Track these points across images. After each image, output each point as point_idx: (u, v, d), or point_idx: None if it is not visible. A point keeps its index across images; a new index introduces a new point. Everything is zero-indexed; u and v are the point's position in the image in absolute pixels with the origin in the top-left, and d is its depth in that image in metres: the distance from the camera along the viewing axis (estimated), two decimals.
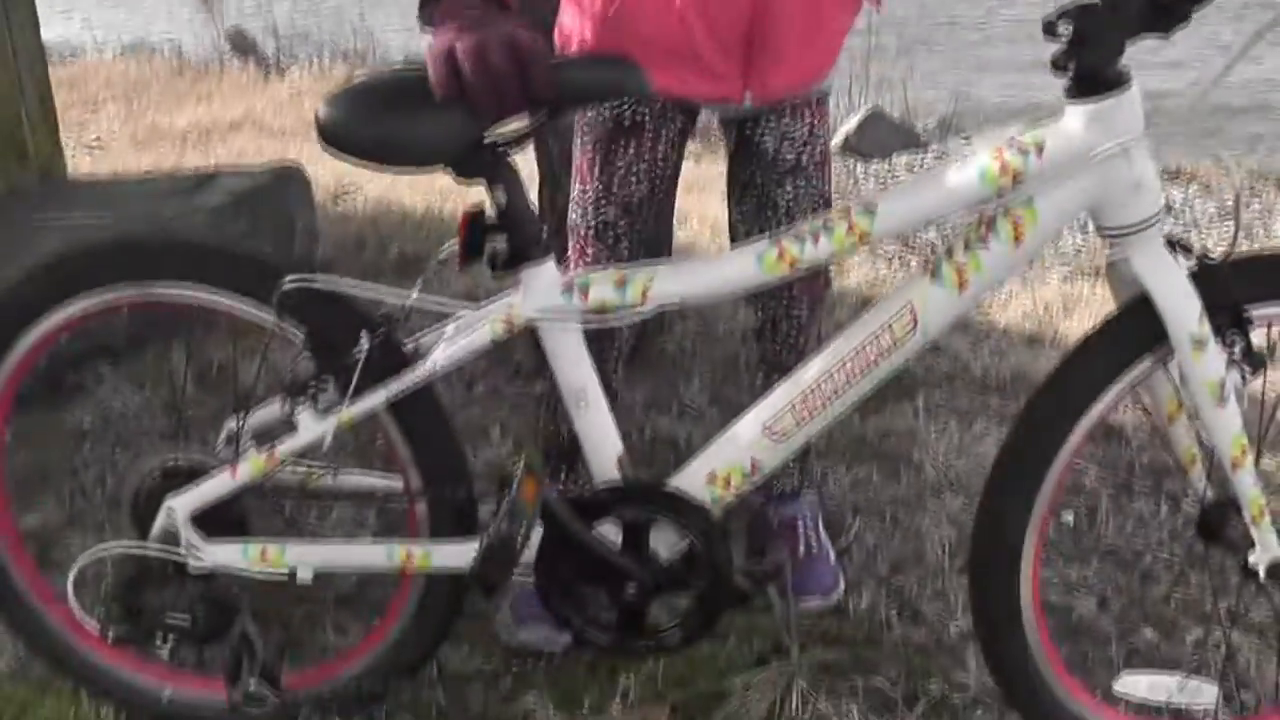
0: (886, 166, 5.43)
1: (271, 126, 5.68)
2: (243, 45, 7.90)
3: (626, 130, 1.93)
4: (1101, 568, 2.24)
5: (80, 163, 4.85)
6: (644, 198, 1.97)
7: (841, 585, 2.14)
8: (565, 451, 2.09)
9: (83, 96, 6.36)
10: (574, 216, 2.01)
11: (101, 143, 5.41)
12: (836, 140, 5.86)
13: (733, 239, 2.12)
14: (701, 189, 4.47)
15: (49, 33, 4.01)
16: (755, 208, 2.03)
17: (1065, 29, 1.41)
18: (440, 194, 4.34)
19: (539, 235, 1.54)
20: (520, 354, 2.83)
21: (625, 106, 1.92)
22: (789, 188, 2.00)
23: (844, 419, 2.66)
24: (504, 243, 1.53)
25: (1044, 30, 1.43)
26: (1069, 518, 2.38)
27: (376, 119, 1.45)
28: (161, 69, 7.07)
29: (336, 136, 1.46)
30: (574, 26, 1.90)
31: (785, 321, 2.11)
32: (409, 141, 1.46)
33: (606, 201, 1.96)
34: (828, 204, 2.05)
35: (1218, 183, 5.47)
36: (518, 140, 1.52)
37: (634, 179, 1.95)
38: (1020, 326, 3.34)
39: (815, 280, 2.07)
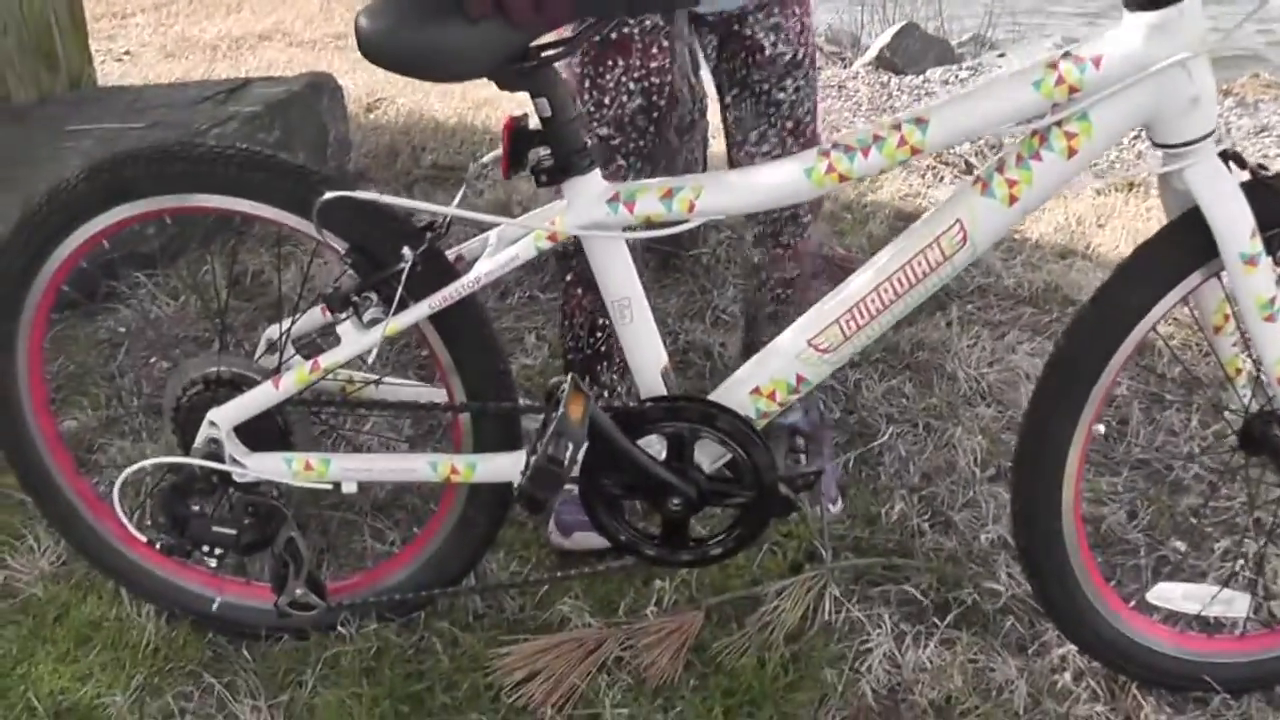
0: (920, 80, 5.34)
1: (302, 37, 5.63)
2: None
3: (615, 46, 1.89)
4: (1132, 478, 2.24)
5: (110, 73, 4.83)
6: (637, 111, 1.94)
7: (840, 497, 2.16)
8: (594, 362, 2.10)
9: (112, 7, 6.32)
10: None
11: (131, 54, 5.38)
12: (870, 54, 5.78)
13: (729, 143, 2.09)
14: None
15: None
16: (755, 109, 2.01)
17: None
18: (474, 104, 4.31)
19: (584, 146, 1.53)
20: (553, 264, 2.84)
21: (618, 24, 1.88)
22: (789, 84, 1.99)
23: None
24: (548, 154, 1.52)
25: None
26: (1100, 429, 2.37)
27: (416, 30, 1.42)
28: None
29: (375, 48, 1.44)
30: None
31: (790, 225, 2.10)
32: (449, 54, 1.43)
33: (599, 120, 1.93)
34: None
35: (1254, 98, 5.39)
36: (562, 51, 1.50)
37: (624, 95, 1.92)
38: (1053, 240, 3.31)
39: None
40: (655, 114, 1.95)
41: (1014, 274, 3.01)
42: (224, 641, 1.88)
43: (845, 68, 5.70)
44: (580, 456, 1.58)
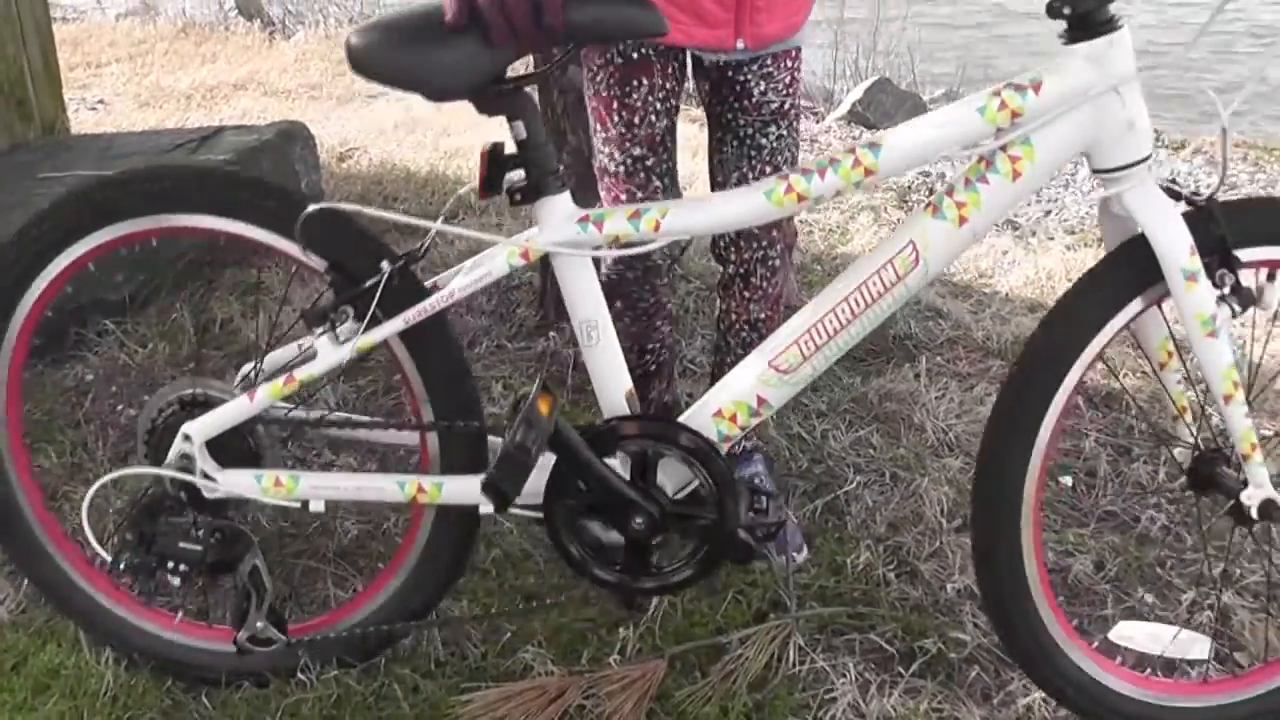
0: (892, 120, 5.40)
1: (276, 87, 5.66)
2: (248, 8, 7.86)
3: (638, 67, 1.96)
4: (1099, 529, 2.25)
5: (83, 121, 4.84)
6: (664, 131, 2.01)
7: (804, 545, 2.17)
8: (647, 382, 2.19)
9: (86, 56, 6.33)
10: (602, 159, 2.04)
11: (105, 103, 5.39)
12: (843, 108, 5.84)
13: (712, 182, 2.14)
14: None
15: None
16: (738, 151, 2.06)
17: None
18: (445, 155, 4.34)
19: (557, 169, 1.58)
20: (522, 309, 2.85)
21: (632, 45, 1.94)
22: (773, 132, 2.04)
23: (845, 381, 2.70)
24: (523, 176, 1.57)
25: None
26: (1067, 480, 2.39)
27: (403, 48, 1.49)
28: (166, 30, 7.03)
29: (365, 62, 1.51)
30: None
31: (760, 268, 2.13)
32: (432, 72, 1.49)
33: (631, 140, 1.99)
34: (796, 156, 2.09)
35: (1220, 154, 5.47)
36: (537, 75, 1.54)
37: (653, 115, 1.98)
38: (1022, 293, 3.35)
39: (789, 224, 2.09)
40: (673, 133, 2.04)
41: (983, 327, 3.03)
42: (183, 689, 1.86)
43: (818, 121, 5.76)
44: (544, 471, 1.62)
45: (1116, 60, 1.48)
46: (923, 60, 7.06)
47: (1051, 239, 3.92)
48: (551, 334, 2.80)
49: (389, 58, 1.50)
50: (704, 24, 1.92)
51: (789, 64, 2.03)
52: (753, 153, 2.05)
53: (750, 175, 2.06)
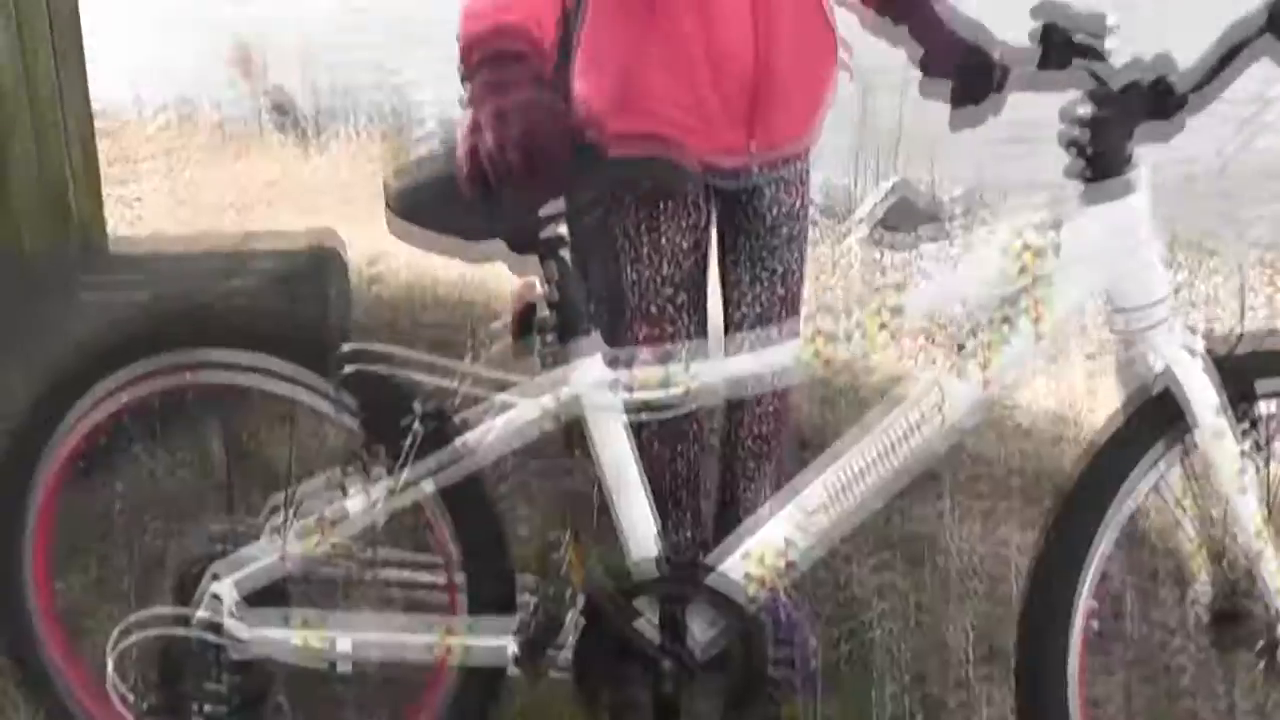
0: (912, 239, 5.43)
1: (309, 187, 5.75)
2: (281, 106, 7.99)
3: (666, 209, 1.99)
4: (1129, 676, 2.23)
5: (120, 219, 4.90)
6: (693, 267, 2.05)
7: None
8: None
9: (124, 151, 6.43)
10: (636, 299, 2.05)
11: (142, 200, 5.48)
12: (862, 210, 5.88)
13: (724, 301, 2.17)
14: None
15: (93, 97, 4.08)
16: (751, 273, 2.11)
17: (1084, 110, 1.53)
18: (472, 273, 4.38)
19: (588, 311, 1.61)
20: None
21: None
22: (781, 255, 2.09)
23: (867, 515, 2.70)
24: (554, 319, 1.61)
25: (1061, 117, 1.55)
26: (1094, 624, 2.37)
27: (438, 192, 1.54)
28: (201, 131, 7.16)
29: (401, 208, 1.57)
30: (592, 90, 1.96)
31: (762, 422, 2.17)
32: (466, 213, 1.54)
33: (665, 281, 2.03)
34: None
35: (1237, 261, 5.49)
36: (568, 216, 1.58)
37: (681, 255, 2.02)
38: (1045, 418, 3.35)
39: None
40: (705, 266, 2.07)
41: (1007, 455, 3.03)
42: None
43: (839, 223, 5.82)
44: (574, 624, 1.63)
45: (1135, 214, 1.53)
46: (941, 160, 7.11)
47: (1072, 360, 3.92)
48: (577, 462, 2.81)
49: (421, 203, 1.56)
50: (716, 129, 1.94)
51: (800, 186, 2.08)
52: (764, 274, 2.10)
53: (762, 294, 2.11)
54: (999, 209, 6.21)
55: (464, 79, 1.54)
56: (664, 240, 2.00)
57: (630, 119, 1.87)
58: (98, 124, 4.90)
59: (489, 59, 1.50)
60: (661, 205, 1.99)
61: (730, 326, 2.14)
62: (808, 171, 2.11)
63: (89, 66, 3.92)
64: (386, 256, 4.48)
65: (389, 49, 9.37)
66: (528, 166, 1.42)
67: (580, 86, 1.99)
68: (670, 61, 1.90)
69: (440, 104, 7.76)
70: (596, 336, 1.62)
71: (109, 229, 4.07)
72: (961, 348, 1.60)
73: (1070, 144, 1.54)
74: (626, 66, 1.92)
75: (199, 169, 6.12)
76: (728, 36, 1.89)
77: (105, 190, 4.25)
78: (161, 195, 5.57)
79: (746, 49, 1.90)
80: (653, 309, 2.04)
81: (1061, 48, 1.61)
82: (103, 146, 4.70)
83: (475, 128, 1.44)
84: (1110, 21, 1.59)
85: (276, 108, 8.02)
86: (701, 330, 2.10)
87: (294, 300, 3.39)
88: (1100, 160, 1.52)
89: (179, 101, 8.65)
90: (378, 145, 6.84)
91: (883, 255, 5.35)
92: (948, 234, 5.95)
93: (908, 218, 6.25)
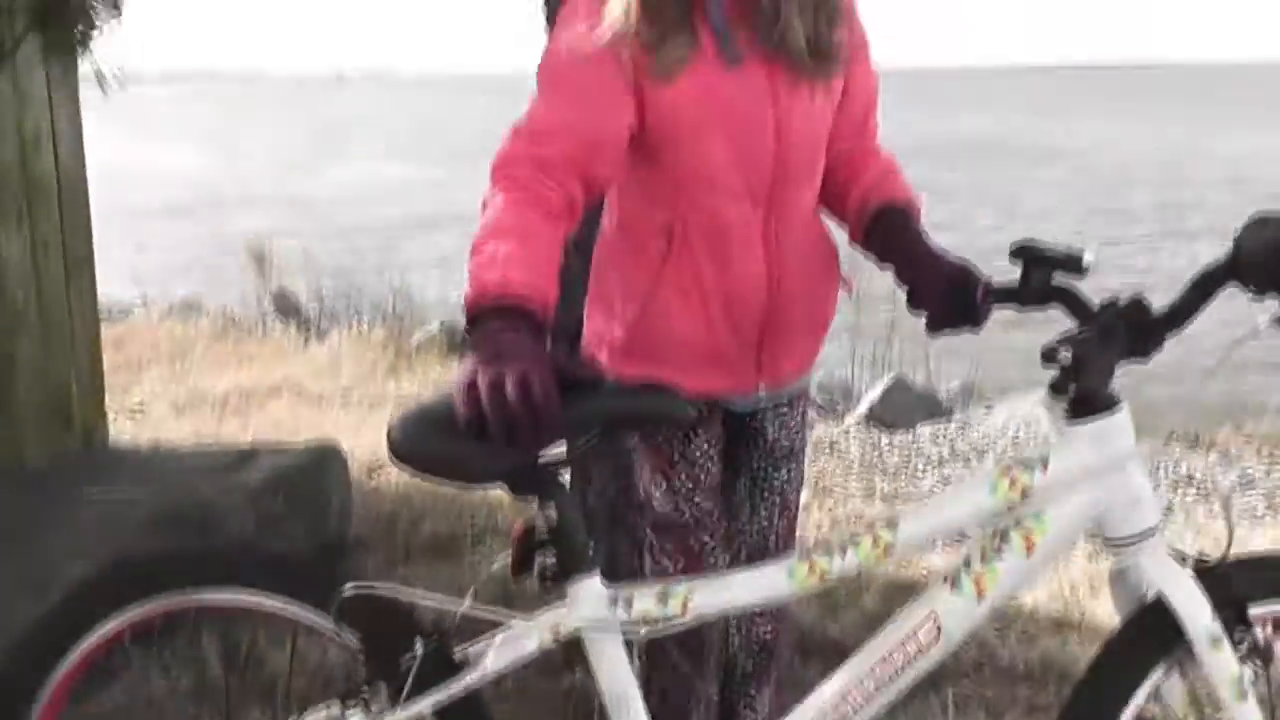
0: (910, 438, 5.50)
1: (310, 392, 5.84)
2: (286, 306, 8.18)
3: (695, 421, 2.00)
4: None
5: (122, 428, 4.97)
6: (719, 480, 2.06)
7: None
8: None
9: (128, 358, 6.57)
10: (668, 512, 2.04)
11: (144, 406, 5.55)
12: (860, 409, 5.96)
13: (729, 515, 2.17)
14: None
15: (101, 292, 4.17)
16: (750, 488, 2.12)
17: (1065, 354, 1.55)
18: None
19: (587, 550, 1.61)
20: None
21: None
22: (784, 471, 2.12)
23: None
24: (553, 557, 1.60)
25: (1043, 357, 1.58)
26: None
27: (439, 439, 1.54)
28: (206, 329, 7.32)
29: (403, 453, 1.56)
30: (603, 330, 2.00)
31: (762, 629, 2.16)
32: (466, 462, 1.55)
33: (698, 491, 2.03)
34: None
35: (1236, 449, 5.53)
36: (569, 459, 1.59)
37: (710, 464, 2.04)
38: (1048, 610, 3.33)
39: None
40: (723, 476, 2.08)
41: (1009, 649, 3.01)
42: None
43: (838, 422, 5.88)
44: None
45: (1118, 438, 1.55)
46: (938, 356, 7.23)
47: (1074, 549, 3.93)
48: (577, 672, 2.79)
49: (422, 449, 1.55)
50: (727, 373, 1.97)
51: (801, 403, 2.11)
52: (764, 489, 2.12)
53: (761, 509, 2.12)
54: (996, 401, 6.34)
55: (468, 326, 1.58)
56: (695, 451, 2.02)
57: (643, 365, 1.92)
58: (103, 328, 5.02)
59: (492, 314, 1.55)
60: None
61: (730, 539, 2.14)
62: (808, 388, 2.15)
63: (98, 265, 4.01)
64: (387, 464, 4.52)
65: (394, 251, 9.62)
66: (527, 421, 1.45)
67: (590, 327, 2.04)
68: (684, 306, 1.92)
69: (445, 306, 8.01)
70: (597, 574, 1.62)
71: (110, 439, 4.11)
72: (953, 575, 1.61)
73: (1051, 387, 1.58)
74: (639, 310, 1.93)
75: (202, 374, 6.21)
76: (742, 280, 1.91)
77: (108, 399, 4.31)
78: (164, 403, 5.63)
79: (760, 291, 1.93)
80: (690, 520, 2.03)
81: (1041, 286, 1.65)
82: (107, 352, 4.79)
83: (475, 377, 1.47)
84: (1088, 259, 1.64)
85: (281, 309, 8.20)
86: (729, 539, 2.10)
87: (294, 499, 3.40)
88: (1083, 401, 1.56)
89: (184, 302, 8.89)
90: (380, 344, 6.97)
91: (880, 438, 5.42)
92: (946, 413, 6.06)
93: (905, 412, 6.33)
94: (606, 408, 1.56)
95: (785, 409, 2.09)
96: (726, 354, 1.95)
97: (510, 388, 1.44)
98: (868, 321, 6.87)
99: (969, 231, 15.29)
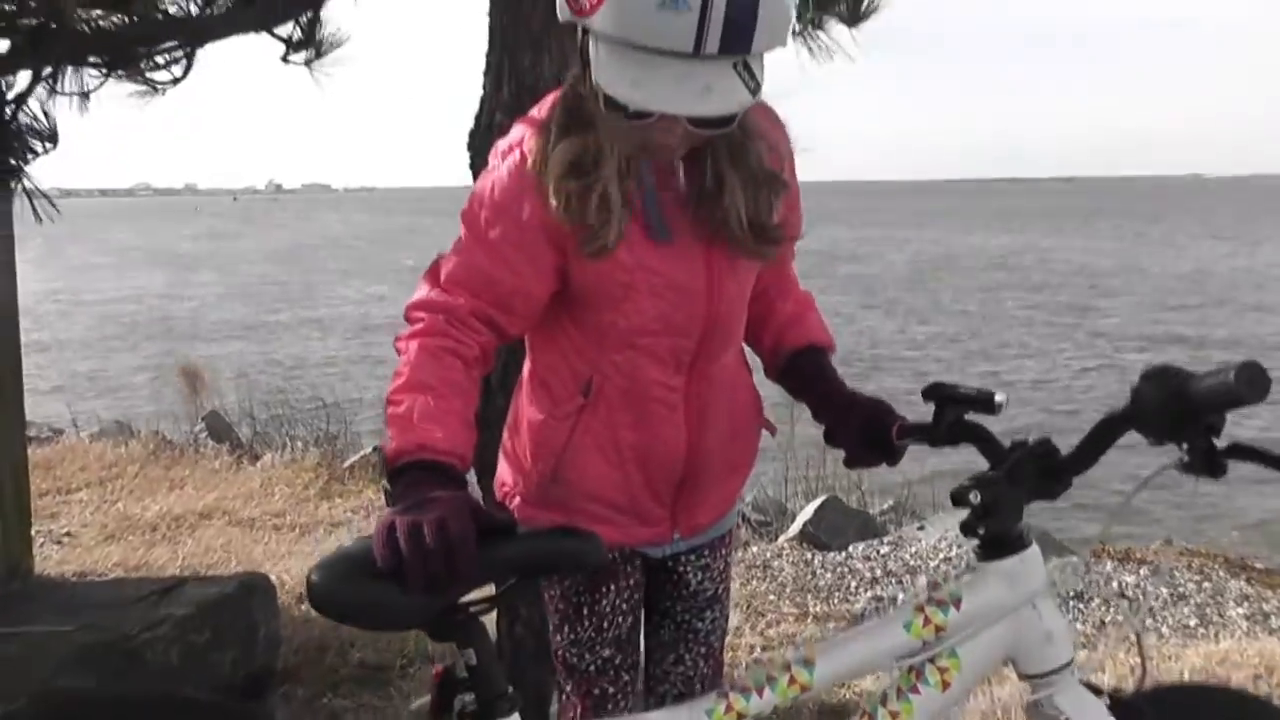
0: (844, 556, 5.53)
1: (241, 516, 5.77)
2: (219, 430, 8.11)
3: (604, 574, 1.99)
4: None
5: (48, 556, 4.89)
6: (630, 627, 2.04)
7: None
8: None
9: (57, 482, 6.46)
10: (572, 659, 2.04)
11: (71, 535, 5.46)
12: (794, 529, 5.99)
13: (647, 659, 2.16)
14: None
15: (32, 412, 4.13)
16: (675, 634, 2.11)
17: (975, 497, 1.61)
18: None
19: (506, 692, 1.61)
20: None
21: None
22: (708, 618, 2.11)
23: None
24: (473, 700, 1.60)
25: (953, 500, 1.64)
26: None
27: (358, 587, 1.54)
28: (137, 452, 7.21)
29: (323, 601, 1.54)
30: (516, 480, 2.00)
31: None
32: (385, 608, 1.55)
33: (601, 642, 2.01)
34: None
35: (1168, 564, 5.60)
36: (485, 609, 1.60)
37: (620, 616, 2.02)
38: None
39: None
40: (639, 624, 2.07)
41: None
42: None
43: (771, 541, 5.89)
44: None
45: (1029, 576, 1.61)
46: (870, 475, 7.29)
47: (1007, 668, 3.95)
48: None
49: (342, 596, 1.54)
50: (641, 523, 1.97)
51: (722, 550, 2.10)
52: (689, 635, 2.11)
53: (686, 655, 2.11)
54: (929, 520, 6.40)
55: (388, 478, 1.60)
56: (603, 602, 2.01)
57: (557, 511, 1.92)
58: (32, 451, 4.94)
59: (411, 468, 1.58)
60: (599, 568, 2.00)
61: (653, 682, 2.14)
62: (731, 530, 2.14)
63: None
64: None
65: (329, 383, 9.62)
66: (444, 567, 1.47)
67: (502, 474, 2.04)
68: (599, 462, 1.91)
69: (378, 432, 7.98)
70: (515, 714, 1.61)
71: (36, 568, 4.04)
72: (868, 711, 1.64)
73: (962, 527, 1.63)
74: (553, 464, 1.92)
75: (132, 498, 6.12)
76: (661, 439, 1.91)
77: (35, 525, 4.26)
78: (93, 530, 5.53)
79: (678, 450, 1.93)
80: (591, 669, 2.03)
81: (953, 426, 1.70)
82: (36, 476, 4.73)
83: (394, 524, 1.49)
84: (999, 399, 1.69)
85: (214, 430, 8.12)
86: (634, 688, 2.09)
87: (221, 629, 3.36)
88: (994, 542, 1.62)
89: (117, 426, 8.78)
90: (313, 466, 6.91)
91: (813, 557, 5.44)
92: (879, 531, 6.08)
93: (838, 531, 6.35)
94: (522, 554, 1.58)
95: (707, 554, 2.08)
96: (641, 507, 1.95)
97: (428, 534, 1.46)
98: (800, 441, 6.94)
99: None
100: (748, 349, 2.06)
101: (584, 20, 1.59)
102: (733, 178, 1.78)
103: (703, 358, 1.89)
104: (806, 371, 1.98)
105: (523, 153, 1.77)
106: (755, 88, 1.59)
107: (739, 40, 1.53)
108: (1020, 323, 21.36)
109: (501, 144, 1.83)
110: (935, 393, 1.73)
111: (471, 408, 1.69)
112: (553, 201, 1.72)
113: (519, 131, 1.81)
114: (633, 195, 1.76)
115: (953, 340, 19.04)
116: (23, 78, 3.45)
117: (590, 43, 1.62)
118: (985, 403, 1.70)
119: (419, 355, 1.69)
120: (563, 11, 1.64)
